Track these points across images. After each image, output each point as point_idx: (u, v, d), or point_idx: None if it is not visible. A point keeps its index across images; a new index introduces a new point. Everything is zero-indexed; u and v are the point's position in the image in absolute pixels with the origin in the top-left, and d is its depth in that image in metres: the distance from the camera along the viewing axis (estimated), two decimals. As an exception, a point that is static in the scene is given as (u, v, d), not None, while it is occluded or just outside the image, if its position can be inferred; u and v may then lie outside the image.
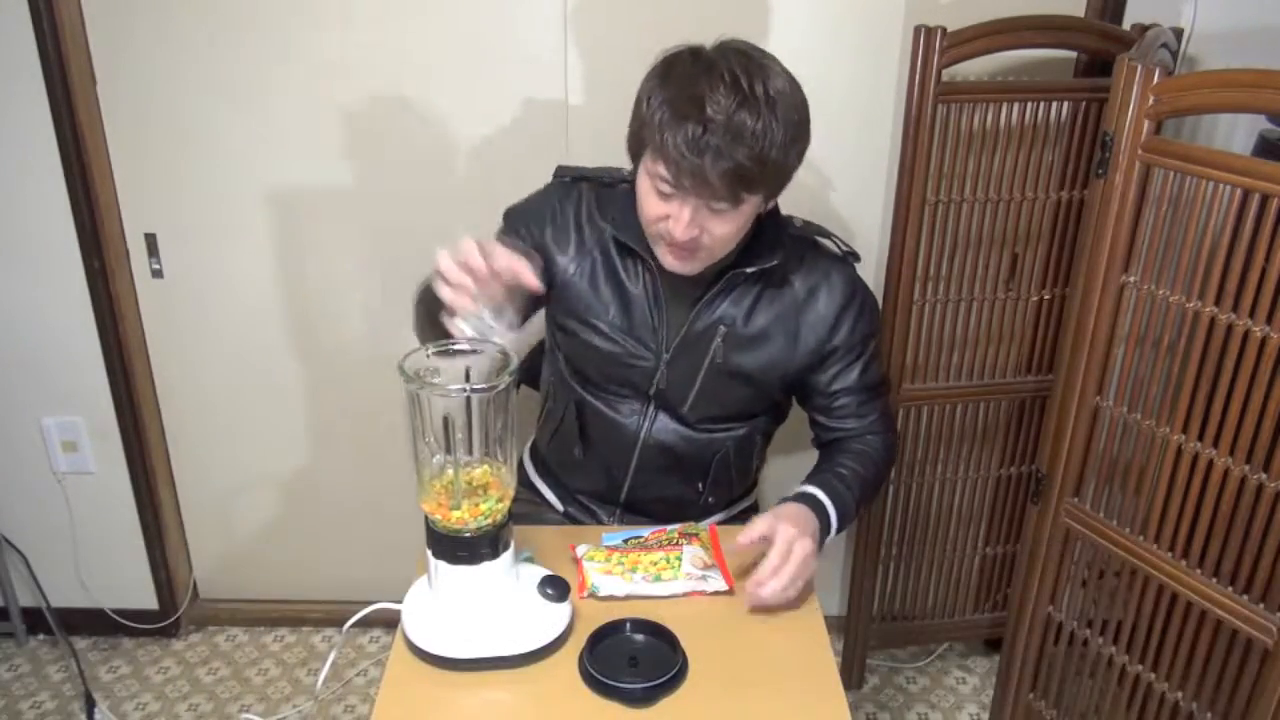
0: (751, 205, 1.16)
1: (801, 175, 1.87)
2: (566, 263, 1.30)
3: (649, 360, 1.30)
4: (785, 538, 1.13)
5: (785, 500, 1.23)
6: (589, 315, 1.30)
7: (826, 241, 1.34)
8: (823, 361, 1.32)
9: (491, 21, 1.73)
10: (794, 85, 1.14)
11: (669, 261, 1.21)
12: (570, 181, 1.34)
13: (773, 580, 1.11)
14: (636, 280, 1.28)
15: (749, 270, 1.25)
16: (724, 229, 1.15)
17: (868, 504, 1.34)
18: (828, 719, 1.02)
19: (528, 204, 1.36)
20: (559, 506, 1.49)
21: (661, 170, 1.12)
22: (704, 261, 1.21)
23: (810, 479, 1.28)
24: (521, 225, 1.33)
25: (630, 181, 1.26)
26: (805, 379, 1.34)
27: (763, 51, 1.14)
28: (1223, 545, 1.30)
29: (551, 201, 1.33)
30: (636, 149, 1.18)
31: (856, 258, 1.35)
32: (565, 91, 1.76)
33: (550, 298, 1.33)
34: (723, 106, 1.07)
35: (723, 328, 1.28)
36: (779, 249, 1.26)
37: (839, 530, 1.24)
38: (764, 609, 1.15)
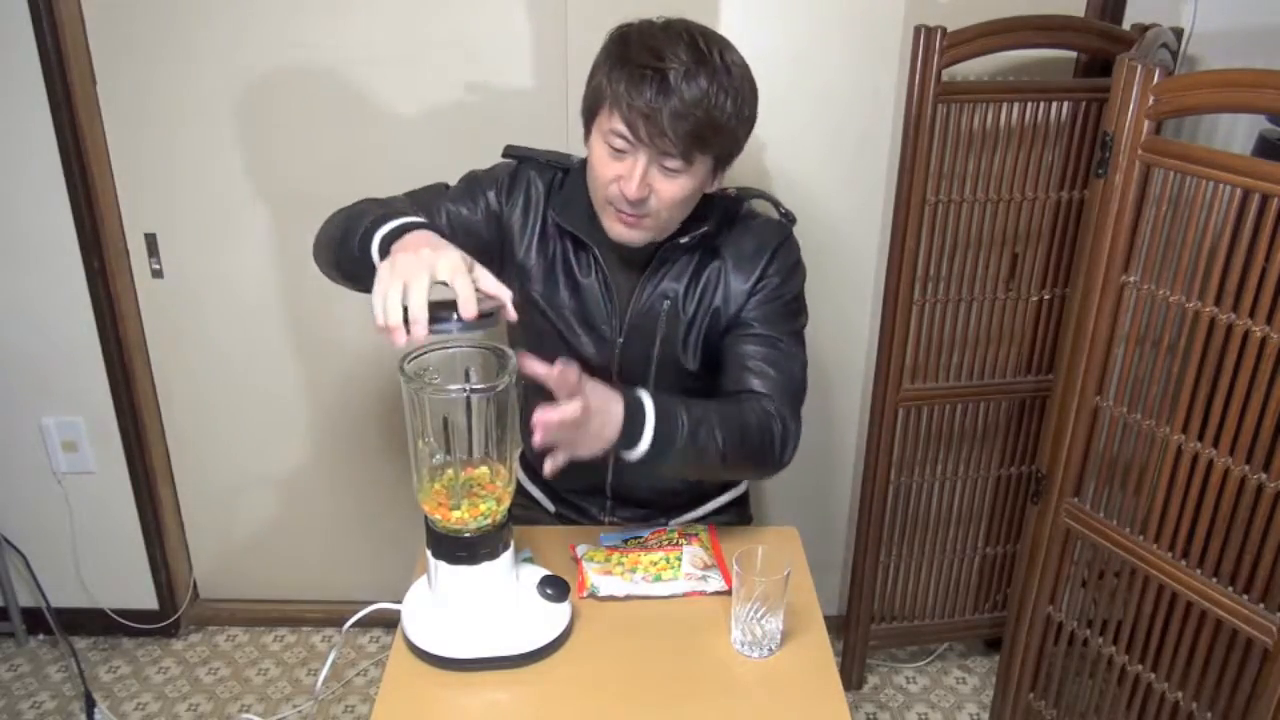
0: (700, 170, 1.16)
1: (801, 174, 1.86)
2: (528, 245, 1.29)
3: (604, 347, 1.30)
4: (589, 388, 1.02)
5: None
6: (548, 304, 1.29)
7: (761, 204, 1.33)
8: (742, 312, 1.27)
9: (494, 18, 1.73)
10: (747, 66, 1.15)
11: (616, 230, 1.20)
12: (521, 164, 1.32)
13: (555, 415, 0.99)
14: (588, 270, 1.28)
15: (683, 240, 1.24)
16: (672, 191, 1.15)
17: (722, 459, 1.15)
18: (828, 719, 1.02)
19: (494, 173, 1.32)
20: (550, 507, 1.48)
21: (618, 125, 1.12)
22: (649, 231, 1.20)
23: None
24: (484, 193, 1.30)
25: (575, 169, 1.25)
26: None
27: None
28: (1223, 545, 1.30)
29: (520, 180, 1.30)
30: (592, 109, 1.18)
31: (792, 219, 1.34)
32: (566, 83, 1.75)
33: (509, 279, 1.26)
34: (682, 62, 1.08)
35: (666, 302, 1.28)
36: (710, 215, 1.26)
37: (652, 451, 1.08)
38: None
